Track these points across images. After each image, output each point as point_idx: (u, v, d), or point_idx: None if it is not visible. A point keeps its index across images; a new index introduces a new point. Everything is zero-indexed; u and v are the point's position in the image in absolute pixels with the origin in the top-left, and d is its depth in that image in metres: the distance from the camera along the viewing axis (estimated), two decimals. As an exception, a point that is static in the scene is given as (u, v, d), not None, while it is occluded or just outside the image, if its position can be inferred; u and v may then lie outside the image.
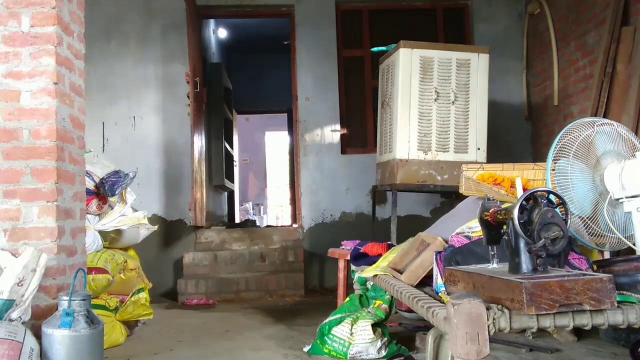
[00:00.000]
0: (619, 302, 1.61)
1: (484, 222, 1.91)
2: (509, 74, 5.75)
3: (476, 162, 4.15)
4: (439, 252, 2.25)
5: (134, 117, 5.60)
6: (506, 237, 1.74)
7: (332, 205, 5.65)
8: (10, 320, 2.35)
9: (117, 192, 3.49)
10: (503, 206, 1.83)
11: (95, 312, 2.59)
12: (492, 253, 1.90)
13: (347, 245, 3.81)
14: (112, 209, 3.60)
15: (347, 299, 3.20)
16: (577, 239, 2.40)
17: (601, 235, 2.41)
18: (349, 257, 3.50)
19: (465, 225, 2.49)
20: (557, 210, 1.65)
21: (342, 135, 5.76)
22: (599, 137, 2.44)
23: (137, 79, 5.62)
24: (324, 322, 2.95)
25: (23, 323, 2.39)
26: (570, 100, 4.95)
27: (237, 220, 8.72)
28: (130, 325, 3.44)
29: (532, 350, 2.79)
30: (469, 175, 2.87)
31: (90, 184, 3.42)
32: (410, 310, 3.35)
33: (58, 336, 2.36)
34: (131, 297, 3.37)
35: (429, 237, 2.52)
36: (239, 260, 5.32)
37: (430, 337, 1.95)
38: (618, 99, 4.18)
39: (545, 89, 5.42)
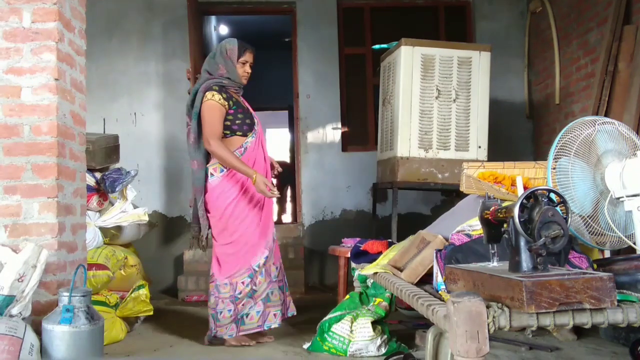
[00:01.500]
0: (619, 300, 1.61)
1: (484, 221, 1.91)
2: (511, 72, 5.74)
3: (477, 160, 4.15)
4: (439, 250, 2.25)
5: (135, 113, 5.60)
6: (506, 236, 1.74)
7: (332, 203, 5.64)
8: (11, 316, 2.35)
9: (117, 189, 3.49)
10: (504, 204, 1.83)
11: (96, 308, 2.59)
12: (493, 251, 1.90)
13: (348, 243, 3.81)
14: (112, 205, 3.60)
15: (347, 296, 3.20)
16: (578, 237, 2.39)
17: (602, 234, 2.41)
18: (349, 255, 3.49)
19: (465, 224, 2.49)
20: (558, 208, 1.65)
21: (343, 133, 5.76)
22: (600, 135, 2.44)
23: (138, 75, 5.62)
24: (324, 319, 2.95)
25: (23, 319, 2.39)
26: (572, 99, 4.94)
27: (238, 217, 8.70)
28: (130, 321, 3.44)
29: (531, 349, 2.79)
30: (470, 173, 2.87)
31: (91, 181, 3.42)
32: (410, 308, 3.35)
33: (58, 332, 2.37)
34: (131, 293, 3.37)
35: (429, 235, 2.52)
36: (239, 257, 5.32)
37: (430, 335, 1.95)
38: (619, 97, 4.17)
39: (547, 88, 5.42)
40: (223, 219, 3.06)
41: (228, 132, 3.05)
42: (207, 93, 3.00)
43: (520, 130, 5.75)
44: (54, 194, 2.59)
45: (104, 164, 3.67)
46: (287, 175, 6.33)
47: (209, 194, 3.07)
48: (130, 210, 3.61)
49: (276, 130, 12.85)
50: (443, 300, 1.88)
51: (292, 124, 7.82)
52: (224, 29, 8.16)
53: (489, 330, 1.51)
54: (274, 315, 3.12)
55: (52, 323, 2.39)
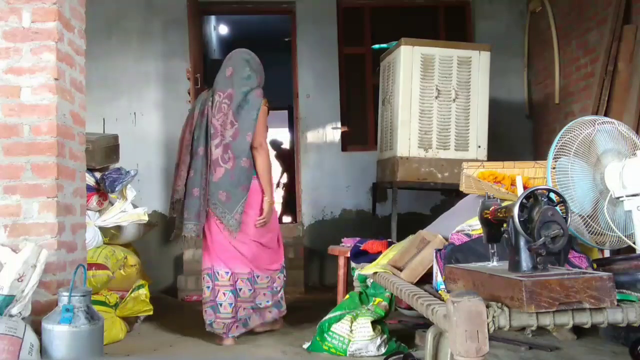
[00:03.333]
0: (618, 300, 1.61)
1: (484, 220, 1.91)
2: (510, 71, 5.74)
3: (477, 160, 4.14)
4: (439, 250, 2.25)
5: (135, 113, 5.60)
6: (506, 235, 1.74)
7: (332, 203, 5.64)
8: (11, 315, 2.35)
9: (117, 189, 3.49)
10: (503, 204, 1.83)
11: (95, 308, 2.59)
12: (492, 251, 1.90)
13: (347, 243, 3.81)
14: (112, 205, 3.60)
15: (347, 296, 3.20)
16: (577, 237, 2.39)
17: (601, 234, 2.41)
18: (349, 255, 3.49)
19: (465, 223, 2.49)
20: (558, 208, 1.65)
21: (342, 133, 5.75)
22: (600, 135, 2.44)
23: (137, 75, 5.61)
24: (324, 319, 2.95)
25: (23, 319, 2.39)
26: (572, 99, 4.94)
27: (238, 217, 8.68)
28: (130, 321, 3.44)
29: (531, 349, 2.79)
30: (470, 173, 2.87)
31: (90, 180, 3.42)
32: (410, 308, 3.35)
33: (58, 332, 2.37)
34: (131, 293, 3.38)
35: (429, 235, 2.52)
36: (239, 257, 5.31)
37: (429, 335, 1.95)
38: (619, 97, 4.17)
39: (547, 87, 5.41)
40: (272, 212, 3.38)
41: None
42: (263, 99, 3.38)
43: (520, 130, 5.74)
44: (53, 194, 2.59)
45: (103, 163, 3.67)
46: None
47: None
48: (130, 210, 3.61)
49: (276, 130, 12.84)
50: (443, 300, 1.88)
51: (292, 124, 7.81)
52: (223, 29, 8.16)
53: (488, 330, 1.51)
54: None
55: (52, 323, 2.39)
